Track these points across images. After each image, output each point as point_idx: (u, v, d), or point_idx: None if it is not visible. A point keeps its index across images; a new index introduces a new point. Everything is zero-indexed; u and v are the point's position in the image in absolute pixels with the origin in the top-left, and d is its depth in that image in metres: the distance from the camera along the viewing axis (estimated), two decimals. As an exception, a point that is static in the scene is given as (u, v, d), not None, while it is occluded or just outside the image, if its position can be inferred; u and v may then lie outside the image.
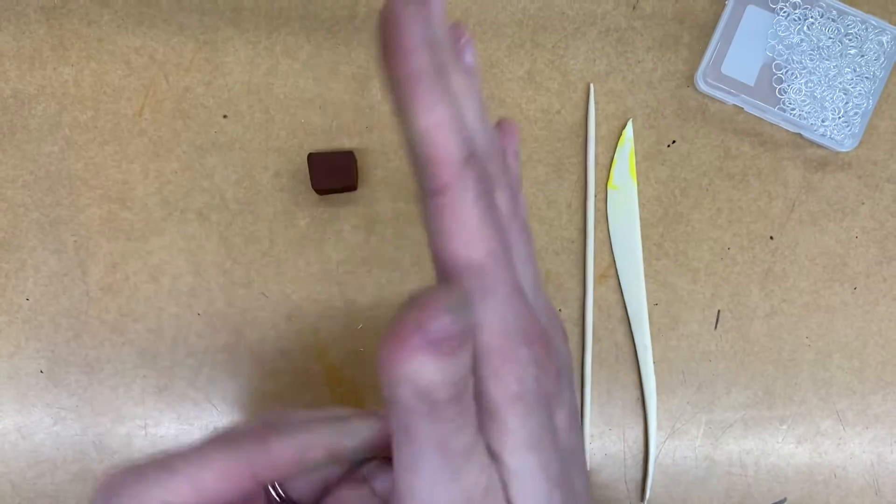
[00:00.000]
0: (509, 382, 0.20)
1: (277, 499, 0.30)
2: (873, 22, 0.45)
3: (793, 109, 0.46)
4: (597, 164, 0.46)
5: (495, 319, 0.20)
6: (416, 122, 0.19)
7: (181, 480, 0.25)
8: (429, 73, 0.19)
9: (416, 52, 0.19)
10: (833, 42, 0.46)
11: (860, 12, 0.45)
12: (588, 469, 0.46)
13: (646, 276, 0.46)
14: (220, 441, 0.26)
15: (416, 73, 0.18)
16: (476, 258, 0.20)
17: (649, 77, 0.46)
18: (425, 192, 0.20)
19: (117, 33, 0.45)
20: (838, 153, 0.47)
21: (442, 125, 0.19)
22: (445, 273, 0.20)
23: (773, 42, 0.46)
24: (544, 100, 0.46)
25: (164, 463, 0.26)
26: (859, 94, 0.46)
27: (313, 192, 0.45)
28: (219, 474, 0.25)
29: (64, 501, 0.45)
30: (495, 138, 0.21)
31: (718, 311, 0.46)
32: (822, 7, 0.45)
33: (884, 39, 0.45)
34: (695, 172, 0.46)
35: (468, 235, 0.20)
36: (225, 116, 0.45)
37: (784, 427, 0.46)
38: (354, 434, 0.26)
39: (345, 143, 0.45)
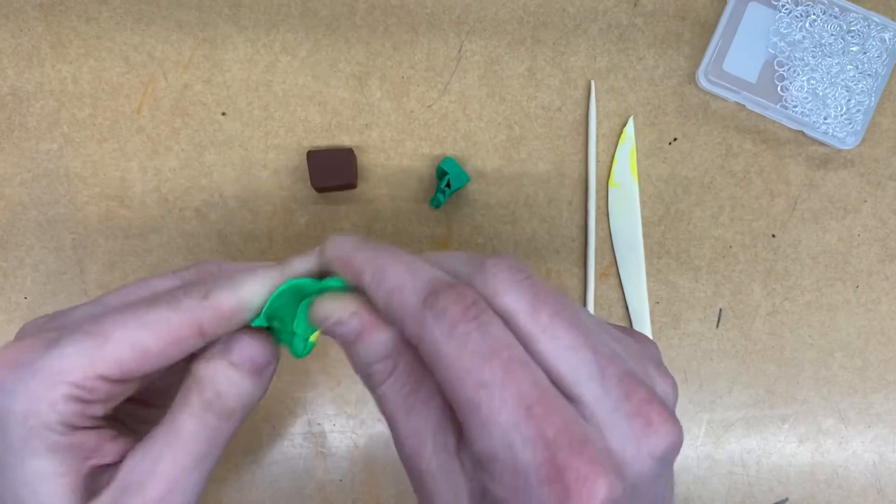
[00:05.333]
0: None
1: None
2: (875, 19, 0.45)
3: (795, 107, 0.45)
4: (598, 161, 0.46)
5: (501, 452, 0.20)
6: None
7: (117, 346, 0.23)
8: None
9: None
10: (835, 39, 0.45)
11: (862, 9, 0.45)
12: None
13: (647, 274, 0.46)
14: (158, 300, 0.24)
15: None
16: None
17: (650, 74, 0.46)
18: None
19: (116, 30, 0.45)
20: (840, 151, 0.46)
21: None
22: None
23: (774, 39, 0.46)
24: (545, 97, 0.46)
25: (88, 329, 0.23)
26: (861, 91, 0.45)
27: (312, 190, 0.45)
28: (162, 334, 0.23)
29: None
30: None
31: (720, 310, 0.46)
32: (824, 4, 0.45)
33: (886, 36, 0.45)
34: (696, 170, 0.46)
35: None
36: (224, 114, 0.45)
37: (786, 426, 0.46)
38: (294, 270, 0.26)
39: (344, 140, 0.45)
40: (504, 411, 0.20)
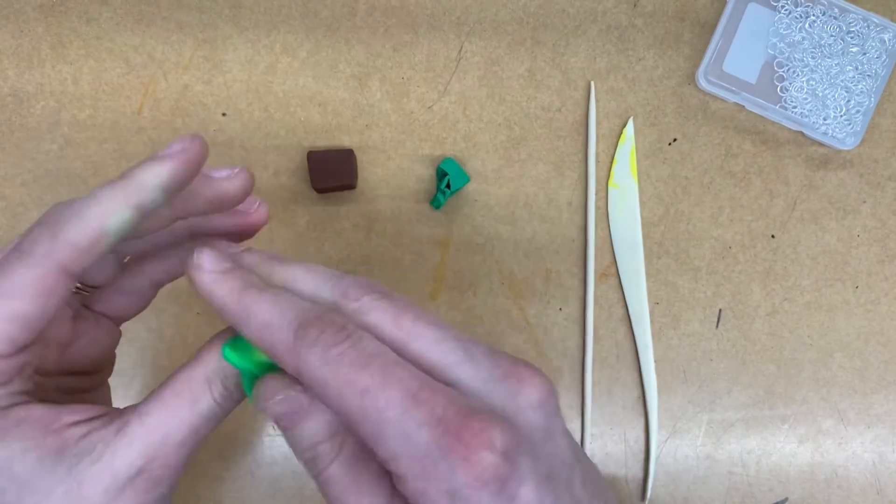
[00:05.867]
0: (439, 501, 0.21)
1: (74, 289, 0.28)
2: (875, 19, 0.45)
3: (794, 107, 0.46)
4: (597, 162, 0.46)
5: (402, 445, 0.21)
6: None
7: None
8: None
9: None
10: (835, 40, 0.45)
11: (862, 10, 0.45)
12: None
13: (647, 274, 0.46)
14: (6, 260, 0.23)
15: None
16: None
17: (650, 75, 0.46)
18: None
19: (116, 31, 0.45)
20: (840, 151, 0.46)
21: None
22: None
23: (774, 40, 0.46)
24: (545, 98, 0.46)
25: None
26: (861, 91, 0.45)
27: (313, 191, 0.45)
28: (29, 294, 0.23)
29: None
30: None
31: (720, 310, 0.46)
32: (823, 5, 0.45)
33: (885, 37, 0.45)
34: (696, 171, 0.46)
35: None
36: (224, 115, 0.45)
37: (785, 426, 0.46)
38: (145, 183, 0.25)
39: (344, 141, 0.45)
40: (391, 407, 0.21)
